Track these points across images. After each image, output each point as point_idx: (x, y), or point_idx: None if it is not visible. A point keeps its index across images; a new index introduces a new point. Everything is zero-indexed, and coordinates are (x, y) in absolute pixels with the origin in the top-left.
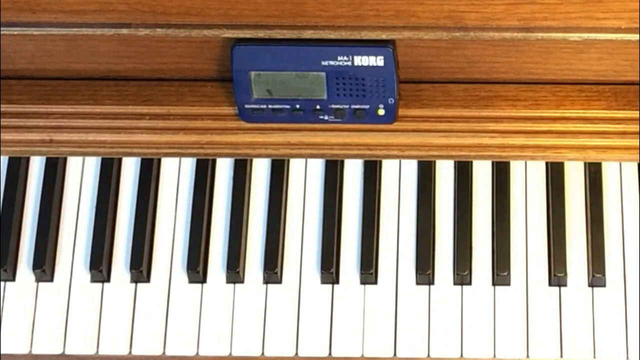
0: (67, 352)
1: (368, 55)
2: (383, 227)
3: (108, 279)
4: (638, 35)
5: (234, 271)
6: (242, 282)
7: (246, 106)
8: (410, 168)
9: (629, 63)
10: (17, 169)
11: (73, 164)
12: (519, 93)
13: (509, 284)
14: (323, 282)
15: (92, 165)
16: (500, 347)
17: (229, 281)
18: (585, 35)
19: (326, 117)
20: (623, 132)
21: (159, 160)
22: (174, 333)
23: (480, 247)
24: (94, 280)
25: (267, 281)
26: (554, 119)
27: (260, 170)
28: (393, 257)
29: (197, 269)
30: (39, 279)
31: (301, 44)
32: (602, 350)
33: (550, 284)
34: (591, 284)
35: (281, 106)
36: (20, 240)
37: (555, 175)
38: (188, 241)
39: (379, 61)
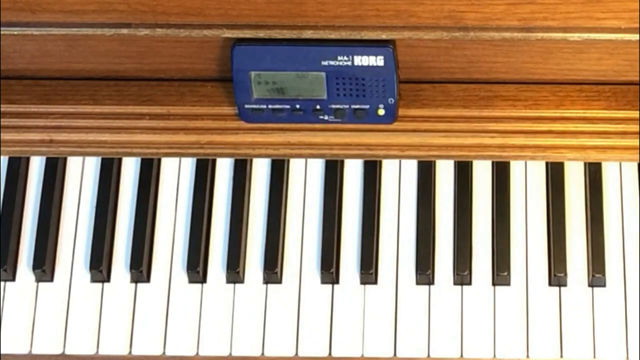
0: (67, 352)
1: (368, 55)
2: (383, 227)
3: (108, 279)
4: (638, 35)
5: (234, 271)
6: (242, 282)
7: (246, 106)
8: (410, 168)
9: (629, 63)
10: (17, 169)
11: (73, 164)
12: (519, 93)
13: (509, 284)
14: (323, 282)
15: (92, 165)
16: (500, 347)
17: (229, 281)
18: (585, 35)
19: (326, 117)
20: (623, 132)
21: (159, 160)
22: (174, 333)
23: (480, 247)
24: (94, 280)
25: (267, 281)
26: (554, 119)
27: (260, 170)
28: (393, 257)
29: (197, 269)
30: (39, 279)
31: (301, 44)
32: (602, 350)
33: (550, 284)
34: (591, 284)
35: (281, 106)
36: (20, 240)
37: (555, 175)
38: (188, 241)
39: (379, 61)
